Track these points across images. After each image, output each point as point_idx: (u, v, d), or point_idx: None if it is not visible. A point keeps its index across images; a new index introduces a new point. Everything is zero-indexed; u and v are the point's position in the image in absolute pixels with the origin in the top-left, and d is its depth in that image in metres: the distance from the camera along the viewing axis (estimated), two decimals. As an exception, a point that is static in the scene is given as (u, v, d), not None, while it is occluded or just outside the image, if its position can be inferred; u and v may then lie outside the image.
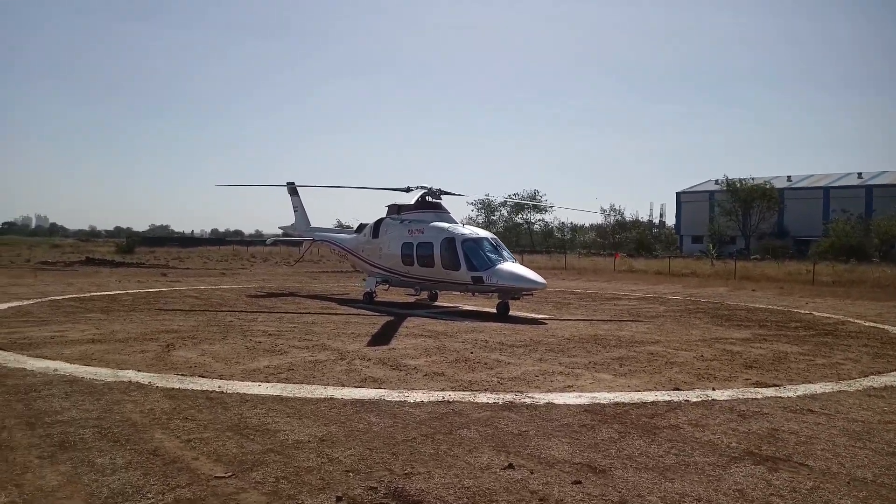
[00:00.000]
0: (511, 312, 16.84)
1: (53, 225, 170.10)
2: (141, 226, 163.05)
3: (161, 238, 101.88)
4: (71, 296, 19.28)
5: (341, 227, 26.75)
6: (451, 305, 19.31)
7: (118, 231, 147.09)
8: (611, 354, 11.06)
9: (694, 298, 23.72)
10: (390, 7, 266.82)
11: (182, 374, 8.67)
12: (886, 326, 16.04)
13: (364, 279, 20.56)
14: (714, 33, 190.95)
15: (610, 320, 16.41)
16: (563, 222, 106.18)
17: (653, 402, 7.64)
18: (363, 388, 8.13)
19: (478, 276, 16.68)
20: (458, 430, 6.37)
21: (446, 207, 19.28)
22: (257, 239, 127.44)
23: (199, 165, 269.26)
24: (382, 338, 12.57)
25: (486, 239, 17.70)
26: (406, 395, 7.75)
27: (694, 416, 7.02)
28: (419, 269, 18.22)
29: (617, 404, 7.51)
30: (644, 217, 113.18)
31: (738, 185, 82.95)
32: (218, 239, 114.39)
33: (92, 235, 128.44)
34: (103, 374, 8.63)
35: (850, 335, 14.31)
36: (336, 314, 16.57)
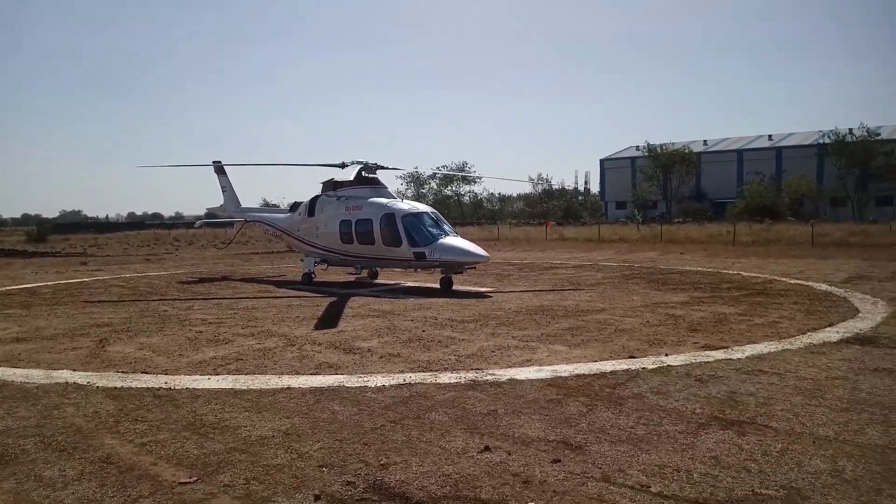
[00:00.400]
0: (454, 287, 16.79)
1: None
2: (50, 212, 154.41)
3: (74, 224, 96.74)
4: (-17, 291, 17.98)
5: (272, 207, 25.86)
6: (393, 283, 19.09)
7: (26, 219, 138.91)
8: (560, 325, 11.15)
9: (628, 264, 24.31)
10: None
11: (122, 372, 8.18)
12: (811, 283, 16.86)
13: (301, 260, 20.05)
14: (636, 1, 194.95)
15: (552, 290, 16.59)
16: (491, 193, 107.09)
17: (612, 372, 7.71)
18: (319, 374, 7.88)
19: (420, 252, 16.50)
20: (425, 413, 6.24)
21: (383, 182, 18.92)
22: (179, 221, 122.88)
23: (113, 145, 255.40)
24: (329, 320, 12.27)
25: (427, 213, 17.50)
26: (366, 379, 7.54)
27: (654, 384, 7.12)
28: (359, 246, 17.88)
29: (578, 376, 7.53)
30: (570, 185, 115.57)
31: (659, 150, 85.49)
32: (136, 223, 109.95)
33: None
34: (35, 375, 8.04)
35: (779, 293, 14.96)
36: (276, 297, 16.09)
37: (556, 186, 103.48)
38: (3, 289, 18.52)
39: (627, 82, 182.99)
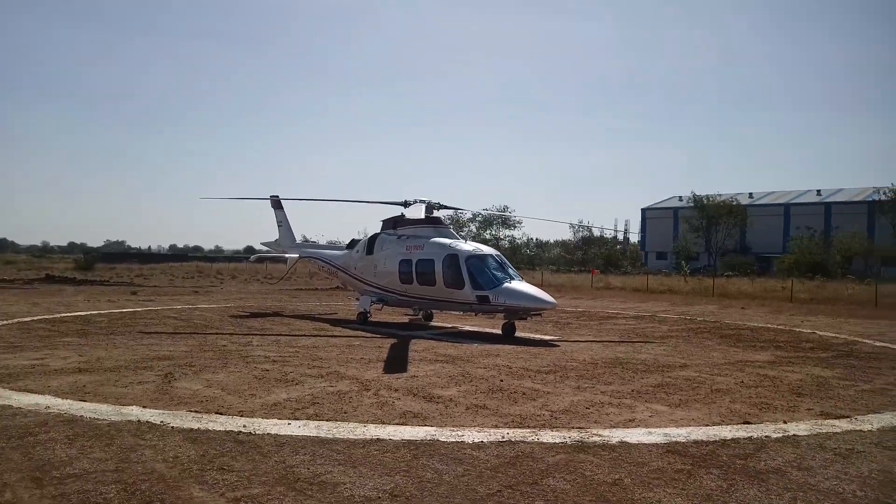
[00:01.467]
0: (517, 334, 16.09)
1: (3, 240, 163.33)
2: (95, 241, 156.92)
3: (119, 254, 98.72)
4: (39, 317, 17.86)
5: (328, 244, 25.61)
6: (450, 326, 18.45)
7: (72, 247, 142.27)
8: (647, 381, 10.36)
9: (689, 317, 23.30)
10: (372, 19, 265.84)
11: (195, 411, 7.65)
12: (900, 346, 15.75)
13: (357, 299, 19.55)
14: (678, 50, 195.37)
15: (621, 342, 15.76)
16: (529, 238, 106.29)
17: (733, 440, 6.92)
18: (407, 425, 7.24)
19: (483, 296, 15.87)
20: (542, 479, 5.54)
21: (445, 222, 18.45)
22: (219, 255, 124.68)
23: (157, 178, 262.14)
24: (396, 363, 11.66)
25: (491, 256, 16.93)
26: (460, 434, 6.88)
27: (789, 458, 6.31)
28: (419, 287, 17.33)
29: (697, 443, 6.76)
30: (609, 233, 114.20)
31: (705, 201, 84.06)
32: (179, 255, 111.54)
33: (45, 251, 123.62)
34: (104, 411, 7.56)
35: (871, 356, 13.93)
36: (334, 336, 15.57)
37: (608, 234, 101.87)
38: (58, 316, 18.38)
39: (669, 131, 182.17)
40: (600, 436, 6.92)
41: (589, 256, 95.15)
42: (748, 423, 7.69)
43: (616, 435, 6.97)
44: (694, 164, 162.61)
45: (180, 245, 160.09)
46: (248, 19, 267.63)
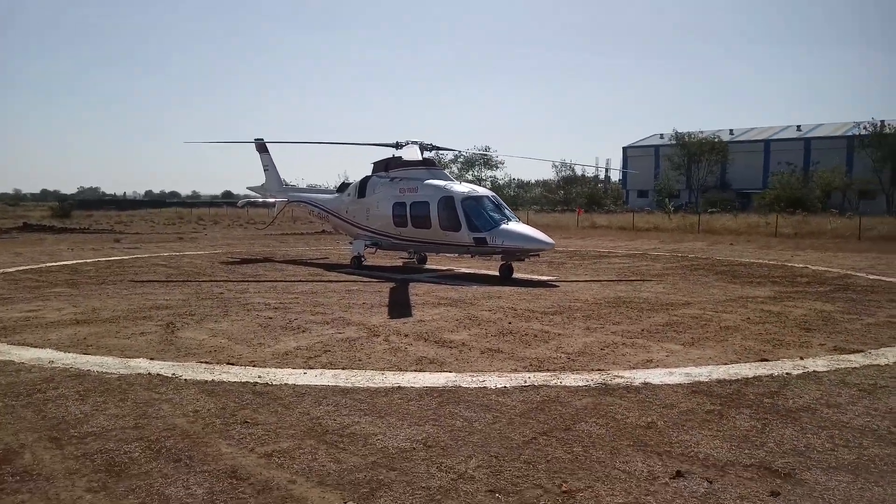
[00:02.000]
0: (514, 275, 15.99)
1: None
2: (68, 188, 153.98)
3: (96, 201, 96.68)
4: (24, 267, 17.38)
5: (315, 188, 25.11)
6: (446, 269, 18.29)
7: (45, 194, 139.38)
8: (654, 320, 10.32)
9: (681, 254, 23.37)
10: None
11: (206, 362, 7.45)
12: (891, 279, 15.89)
13: (350, 243, 19.24)
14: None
15: (619, 281, 15.74)
16: (511, 179, 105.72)
17: (755, 378, 6.88)
18: (425, 371, 7.11)
19: (481, 238, 15.66)
20: (574, 424, 5.45)
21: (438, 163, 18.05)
22: (197, 200, 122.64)
23: (129, 123, 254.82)
24: (400, 308, 11.51)
25: (487, 197, 16.64)
26: (481, 379, 6.76)
27: (815, 395, 6.29)
28: (413, 230, 17.06)
29: (720, 382, 6.71)
30: (591, 172, 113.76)
31: (687, 138, 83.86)
32: (157, 201, 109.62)
33: (18, 199, 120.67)
34: (111, 364, 7.33)
35: (867, 290, 14.05)
36: (331, 281, 15.34)
37: (588, 173, 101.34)
38: (44, 265, 17.90)
39: (650, 70, 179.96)
40: (622, 377, 6.84)
41: (571, 196, 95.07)
42: (765, 360, 7.67)
43: (637, 376, 6.89)
44: (674, 102, 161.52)
45: (156, 191, 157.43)
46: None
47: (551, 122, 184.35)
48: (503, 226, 15.63)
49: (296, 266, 18.94)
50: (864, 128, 71.42)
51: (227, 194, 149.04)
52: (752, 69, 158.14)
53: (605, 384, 6.59)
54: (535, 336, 9.00)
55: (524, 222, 17.10)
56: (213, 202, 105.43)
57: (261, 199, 24.15)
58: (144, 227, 43.23)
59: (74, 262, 19.00)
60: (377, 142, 18.70)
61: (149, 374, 6.93)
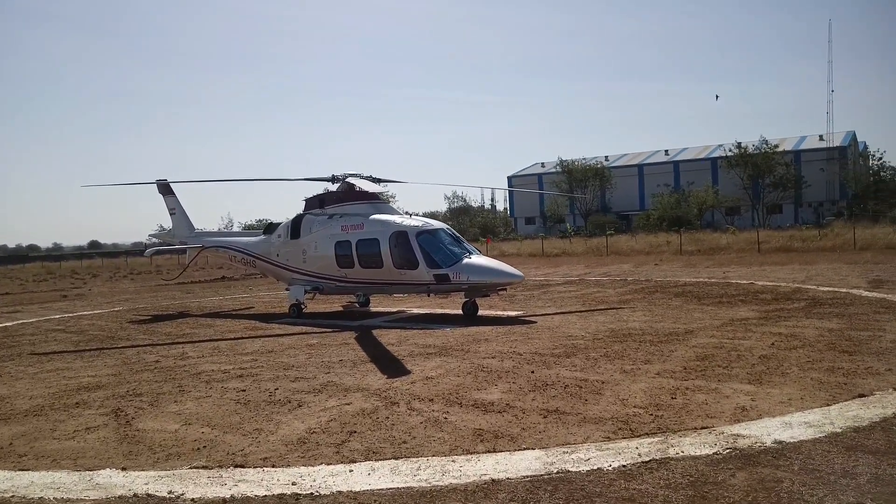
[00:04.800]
0: (479, 312, 14.72)
1: None
2: None
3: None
4: None
5: (229, 231, 22.70)
6: (396, 310, 16.68)
7: None
8: (681, 354, 9.36)
9: (620, 278, 23.03)
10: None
11: (203, 467, 5.56)
12: (850, 290, 16.04)
13: (287, 289, 17.13)
14: (519, 26, 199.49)
15: (591, 311, 14.84)
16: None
17: (884, 420, 5.94)
18: (499, 451, 5.62)
19: (442, 274, 14.25)
20: (766, 513, 4.18)
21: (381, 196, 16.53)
22: (58, 252, 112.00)
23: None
24: (389, 362, 9.87)
25: (443, 230, 15.30)
26: (582, 457, 5.37)
27: (972, 435, 5.41)
28: (362, 270, 15.38)
29: (856, 430, 5.71)
30: (476, 202, 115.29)
31: (571, 165, 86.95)
32: (17, 256, 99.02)
33: None
34: (71, 485, 5.28)
35: (838, 303, 13.93)
36: (281, 335, 13.34)
37: (475, 204, 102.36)
38: None
39: (518, 102, 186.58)
40: (744, 436, 5.67)
41: (465, 226, 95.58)
42: (862, 395, 6.80)
43: (757, 432, 5.76)
44: (542, 133, 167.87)
45: (11, 245, 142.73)
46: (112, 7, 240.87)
47: (433, 157, 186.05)
48: (466, 260, 14.34)
49: (223, 319, 16.66)
50: (729, 150, 76.68)
51: (94, 244, 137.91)
52: (623, 96, 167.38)
53: (735, 448, 5.39)
54: (579, 387, 7.72)
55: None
56: (83, 253, 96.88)
57: (170, 247, 21.45)
58: (12, 285, 38.17)
59: (-56, 334, 15.70)
60: (308, 176, 16.96)
61: (135, 495, 4.99)
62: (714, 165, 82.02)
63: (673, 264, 27.92)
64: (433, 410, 6.99)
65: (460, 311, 14.82)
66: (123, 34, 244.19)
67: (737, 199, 75.72)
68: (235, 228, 75.57)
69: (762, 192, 74.50)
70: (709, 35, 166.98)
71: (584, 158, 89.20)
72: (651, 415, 6.45)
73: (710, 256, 32.74)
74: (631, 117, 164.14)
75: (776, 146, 73.98)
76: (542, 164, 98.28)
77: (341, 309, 17.92)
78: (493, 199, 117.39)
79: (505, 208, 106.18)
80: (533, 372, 8.64)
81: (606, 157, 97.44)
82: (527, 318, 13.99)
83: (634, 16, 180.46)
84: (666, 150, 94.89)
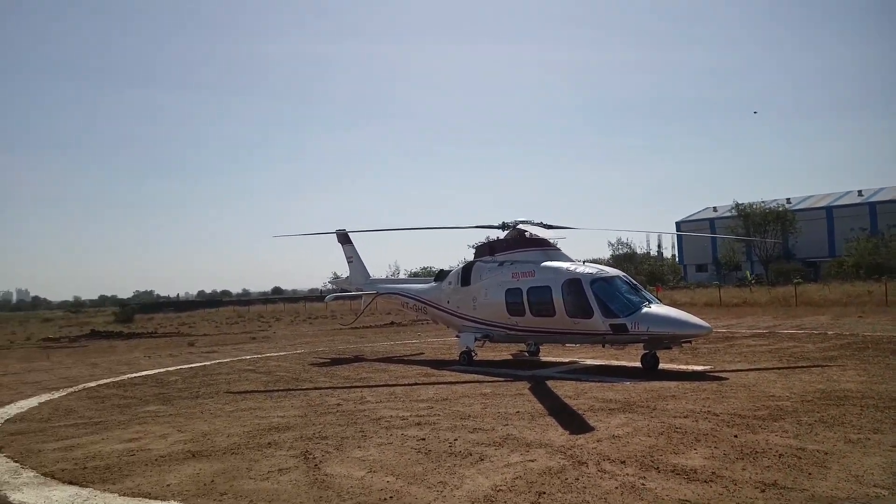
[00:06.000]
0: (660, 366, 13.73)
1: (36, 298, 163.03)
2: (123, 293, 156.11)
3: (153, 304, 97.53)
4: (105, 381, 15.81)
5: (401, 278, 23.44)
6: (568, 360, 16.09)
7: (103, 300, 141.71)
8: (919, 423, 7.94)
9: (817, 331, 20.69)
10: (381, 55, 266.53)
11: (392, 519, 5.40)
12: None
13: (457, 336, 17.18)
14: (692, 65, 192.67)
15: (791, 367, 13.31)
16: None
17: None
18: (716, 528, 4.92)
19: (619, 324, 13.51)
20: None
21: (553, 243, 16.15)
22: (247, 297, 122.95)
23: (171, 226, 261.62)
24: (569, 417, 9.35)
25: (619, 277, 14.61)
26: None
27: None
28: (532, 318, 15.02)
29: None
30: (643, 249, 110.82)
31: (748, 209, 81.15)
32: (212, 301, 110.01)
33: (77, 306, 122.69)
34: (267, 528, 5.34)
35: None
36: (454, 383, 13.27)
37: (641, 251, 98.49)
38: (126, 377, 16.33)
39: (692, 144, 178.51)
40: None
41: (630, 273, 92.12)
42: None
43: None
44: (707, 176, 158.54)
45: (208, 290, 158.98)
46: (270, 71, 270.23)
47: (594, 203, 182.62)
48: (645, 309, 13.49)
49: (396, 365, 16.98)
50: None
51: (277, 290, 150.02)
52: (794, 139, 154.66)
53: None
54: (797, 457, 6.73)
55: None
56: (268, 299, 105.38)
57: (349, 294, 22.53)
58: (209, 327, 42.12)
59: (156, 371, 17.42)
60: (478, 224, 17.02)
61: (329, 545, 4.91)
62: (918, 206, 72.95)
63: (880, 317, 24.66)
64: (627, 474, 6.39)
65: (639, 364, 13.93)
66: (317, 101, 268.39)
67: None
68: (402, 276, 78.50)
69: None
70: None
71: (762, 201, 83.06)
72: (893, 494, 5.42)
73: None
74: (814, 156, 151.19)
75: None
76: (714, 208, 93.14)
77: (511, 357, 17.60)
78: (659, 246, 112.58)
79: (673, 255, 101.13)
80: (736, 436, 7.72)
81: (788, 199, 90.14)
82: (715, 374, 12.81)
83: (818, 48, 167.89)
84: (859, 191, 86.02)
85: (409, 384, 13.38)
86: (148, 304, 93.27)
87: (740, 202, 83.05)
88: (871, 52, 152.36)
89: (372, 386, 13.35)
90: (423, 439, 8.26)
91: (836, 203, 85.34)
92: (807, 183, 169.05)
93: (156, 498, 6.30)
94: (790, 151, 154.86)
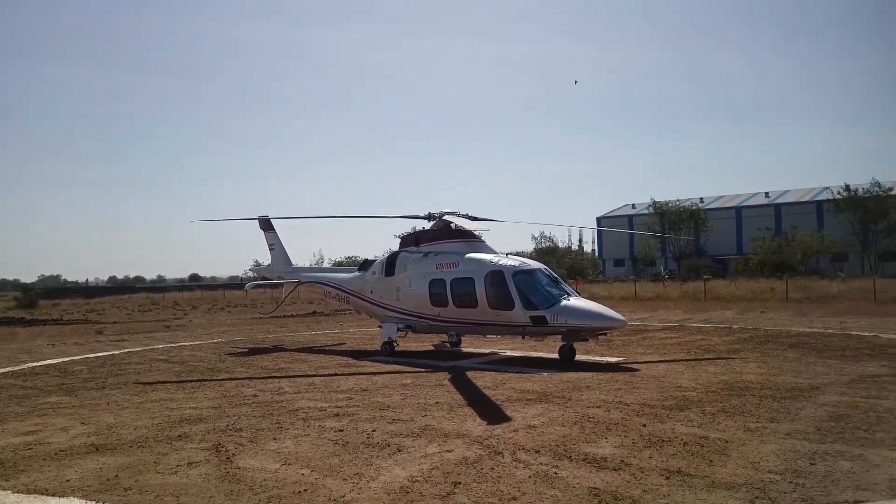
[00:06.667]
0: (577, 357, 14.10)
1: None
2: (27, 277, 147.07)
3: (59, 289, 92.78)
4: (3, 370, 14.88)
5: (327, 267, 23.13)
6: (489, 352, 16.29)
7: (4, 284, 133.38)
8: (811, 413, 8.50)
9: (723, 325, 21.75)
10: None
11: (306, 513, 5.32)
12: None
13: (379, 326, 17.09)
14: (612, 66, 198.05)
15: (697, 360, 13.94)
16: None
17: None
18: (623, 515, 5.10)
19: (539, 316, 13.78)
20: None
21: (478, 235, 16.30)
22: (164, 284, 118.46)
23: (88, 209, 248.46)
24: (486, 407, 9.47)
25: (541, 270, 14.88)
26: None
27: None
28: (456, 310, 15.12)
29: None
30: (564, 243, 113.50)
31: (664, 207, 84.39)
32: (124, 287, 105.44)
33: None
34: (173, 524, 5.15)
35: None
36: (374, 374, 13.20)
37: (563, 245, 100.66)
38: (27, 366, 15.41)
39: (615, 142, 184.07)
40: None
41: (551, 267, 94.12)
42: None
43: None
44: (643, 173, 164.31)
45: (119, 276, 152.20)
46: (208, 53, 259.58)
47: (524, 195, 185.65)
48: (564, 302, 13.81)
49: (317, 355, 16.74)
50: (838, 192, 72.33)
51: (194, 277, 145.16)
52: (715, 139, 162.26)
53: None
54: (700, 445, 7.06)
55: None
56: (184, 286, 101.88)
57: (269, 282, 22.02)
58: (120, 315, 40.34)
59: (60, 360, 16.53)
60: (404, 214, 16.97)
61: (238, 540, 4.78)
62: (819, 209, 77.71)
63: (781, 312, 26.19)
64: (541, 463, 6.52)
65: (556, 356, 14.26)
66: (227, 79, 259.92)
67: (847, 245, 71.11)
68: (326, 265, 77.44)
69: (874, 237, 69.72)
70: (810, 74, 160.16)
71: (677, 200, 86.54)
72: (791, 482, 5.75)
73: (822, 305, 30.58)
74: (726, 159, 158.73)
75: (890, 189, 69.25)
76: (633, 205, 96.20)
77: (433, 348, 17.69)
78: (580, 241, 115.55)
79: (593, 250, 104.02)
80: (644, 425, 8.02)
81: (701, 199, 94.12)
82: (628, 366, 13.27)
83: (732, 53, 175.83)
84: (766, 193, 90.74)
85: (328, 374, 13.22)
86: (54, 289, 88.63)
87: (657, 200, 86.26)
88: (799, 59, 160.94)
89: (291, 376, 13.12)
90: (341, 430, 8.18)
91: (744, 203, 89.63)
92: (719, 183, 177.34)
93: (53, 494, 5.97)
94: (705, 153, 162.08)
